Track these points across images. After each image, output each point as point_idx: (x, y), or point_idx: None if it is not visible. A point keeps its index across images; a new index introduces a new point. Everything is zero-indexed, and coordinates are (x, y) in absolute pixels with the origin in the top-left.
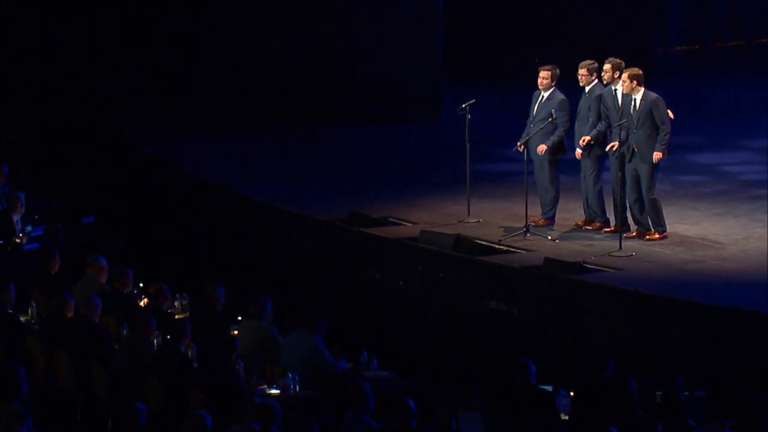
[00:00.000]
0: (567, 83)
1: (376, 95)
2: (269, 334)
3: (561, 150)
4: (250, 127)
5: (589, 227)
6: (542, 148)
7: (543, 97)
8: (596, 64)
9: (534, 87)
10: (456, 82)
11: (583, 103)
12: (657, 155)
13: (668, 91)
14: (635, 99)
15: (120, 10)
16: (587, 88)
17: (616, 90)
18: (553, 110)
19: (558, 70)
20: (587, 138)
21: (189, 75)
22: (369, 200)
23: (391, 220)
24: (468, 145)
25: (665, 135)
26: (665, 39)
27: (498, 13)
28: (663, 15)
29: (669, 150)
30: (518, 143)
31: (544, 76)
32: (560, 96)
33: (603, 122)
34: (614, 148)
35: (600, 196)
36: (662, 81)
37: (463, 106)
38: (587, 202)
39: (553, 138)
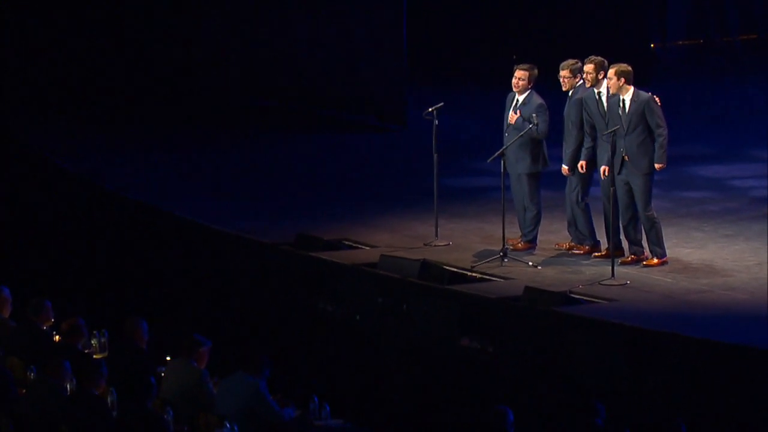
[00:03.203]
0: (549, 87)
1: (329, 98)
2: (199, 378)
3: (542, 161)
4: (183, 137)
5: (577, 251)
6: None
7: (518, 100)
8: (580, 64)
9: (510, 88)
10: (422, 83)
11: (566, 110)
12: (658, 166)
13: (667, 92)
14: (624, 100)
15: (35, 13)
16: (571, 92)
17: (600, 93)
18: (533, 115)
19: (536, 71)
20: (583, 163)
21: (112, 79)
22: (321, 220)
23: (347, 243)
24: (435, 156)
25: (663, 140)
26: (664, 33)
27: (469, 3)
28: (662, 5)
29: (667, 159)
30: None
31: (520, 76)
32: (538, 100)
33: (588, 137)
34: (605, 173)
35: (587, 214)
36: (660, 81)
37: (430, 110)
38: (574, 222)
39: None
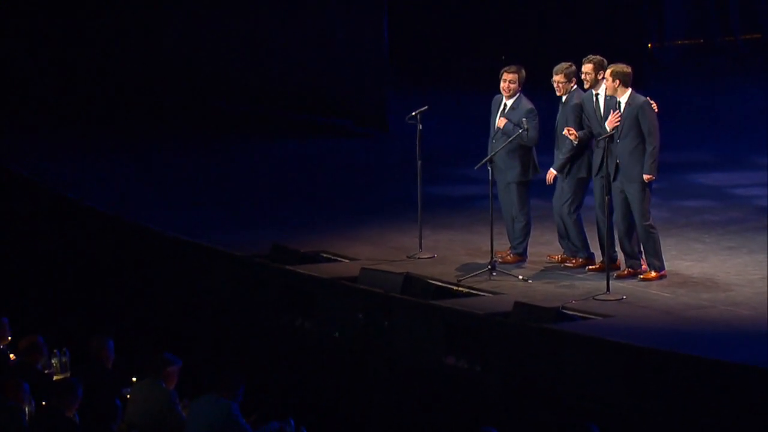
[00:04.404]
0: (540, 90)
1: (306, 102)
2: (168, 400)
3: (531, 169)
4: (152, 144)
5: (570, 264)
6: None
7: (506, 105)
8: (574, 68)
9: (497, 90)
10: (405, 86)
11: (560, 117)
12: (647, 177)
13: (665, 95)
14: (620, 102)
15: None
16: (565, 98)
17: (598, 94)
18: (523, 120)
19: (524, 72)
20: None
21: (78, 84)
22: (297, 231)
23: (325, 255)
24: (419, 163)
25: (654, 149)
26: (662, 31)
27: (455, 1)
28: (659, 2)
29: (659, 168)
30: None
31: (510, 79)
32: (528, 104)
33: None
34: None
35: (579, 225)
36: (658, 83)
37: (413, 114)
38: (565, 233)
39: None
